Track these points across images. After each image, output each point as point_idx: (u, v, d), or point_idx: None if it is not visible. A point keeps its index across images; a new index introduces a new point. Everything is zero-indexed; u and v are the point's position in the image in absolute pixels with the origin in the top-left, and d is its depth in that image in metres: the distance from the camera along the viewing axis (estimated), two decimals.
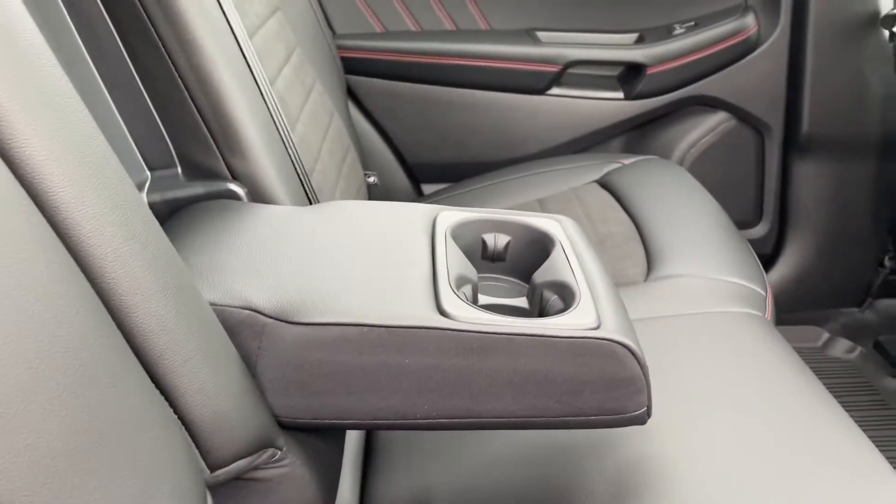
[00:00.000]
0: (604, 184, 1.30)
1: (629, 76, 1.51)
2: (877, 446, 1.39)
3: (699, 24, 1.48)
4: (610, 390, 0.56)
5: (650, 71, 1.48)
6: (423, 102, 1.49)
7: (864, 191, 1.58)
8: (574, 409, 0.57)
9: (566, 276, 0.62)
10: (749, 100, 1.52)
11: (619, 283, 1.03)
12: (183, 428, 0.46)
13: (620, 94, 1.51)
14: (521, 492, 0.70)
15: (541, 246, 0.69)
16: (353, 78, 1.48)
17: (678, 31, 1.48)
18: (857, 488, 0.71)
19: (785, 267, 1.67)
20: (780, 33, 1.47)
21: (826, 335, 1.67)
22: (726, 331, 0.90)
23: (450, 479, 0.73)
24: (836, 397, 1.54)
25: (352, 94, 1.49)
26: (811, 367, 1.61)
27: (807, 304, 1.69)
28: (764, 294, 1.00)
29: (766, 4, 1.47)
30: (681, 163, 1.56)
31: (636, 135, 1.59)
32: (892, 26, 1.40)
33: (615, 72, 1.53)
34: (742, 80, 1.50)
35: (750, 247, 1.13)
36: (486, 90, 1.50)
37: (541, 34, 1.51)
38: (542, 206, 1.26)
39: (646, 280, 1.02)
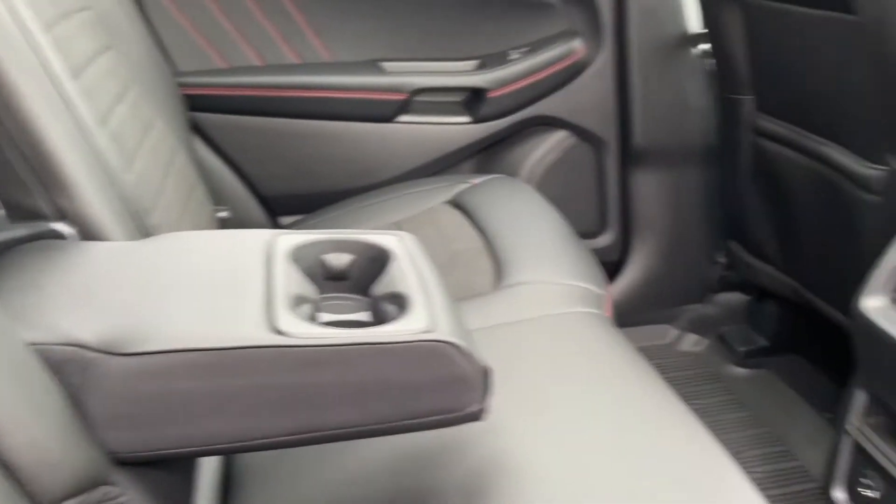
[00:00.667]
0: (455, 203, 1.35)
1: (473, 101, 1.58)
2: (723, 429, 1.51)
3: (532, 49, 1.58)
4: (444, 390, 0.59)
5: (491, 95, 1.56)
6: (272, 135, 1.50)
7: (695, 196, 1.72)
8: (413, 412, 0.59)
9: (401, 287, 0.65)
10: (584, 117, 1.63)
11: (470, 294, 1.07)
12: (5, 472, 0.45)
13: (467, 119, 1.58)
14: (386, 502, 0.71)
15: (381, 262, 0.71)
16: (200, 114, 1.47)
17: (514, 56, 1.57)
18: (696, 481, 0.74)
19: (633, 271, 1.78)
20: (605, 55, 1.59)
21: (675, 332, 1.80)
22: (569, 330, 0.96)
23: (314, 496, 0.74)
24: (686, 387, 1.66)
25: (199, 130, 1.47)
26: (663, 363, 1.74)
27: (656, 304, 1.81)
28: (602, 293, 1.06)
29: (590, 29, 1.59)
30: (528, 180, 1.64)
31: (486, 156, 1.66)
32: (699, 44, 1.55)
33: (460, 97, 1.59)
34: (576, 99, 1.61)
35: (589, 251, 1.21)
36: (335, 120, 1.53)
37: (385, 64, 1.55)
38: (397, 229, 1.28)
39: (495, 290, 1.07)
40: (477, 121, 1.57)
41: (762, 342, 1.69)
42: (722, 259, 1.75)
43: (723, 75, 1.48)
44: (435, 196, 1.38)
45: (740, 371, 1.66)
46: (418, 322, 0.60)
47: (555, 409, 0.81)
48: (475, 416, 0.61)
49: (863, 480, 1.01)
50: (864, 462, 1.01)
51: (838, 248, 1.23)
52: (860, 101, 1.10)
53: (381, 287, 0.67)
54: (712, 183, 1.68)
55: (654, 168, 1.67)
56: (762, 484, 1.34)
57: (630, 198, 1.71)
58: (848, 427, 1.03)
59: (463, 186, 1.40)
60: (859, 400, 1.02)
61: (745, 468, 1.37)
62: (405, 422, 0.59)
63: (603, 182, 1.70)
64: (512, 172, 1.63)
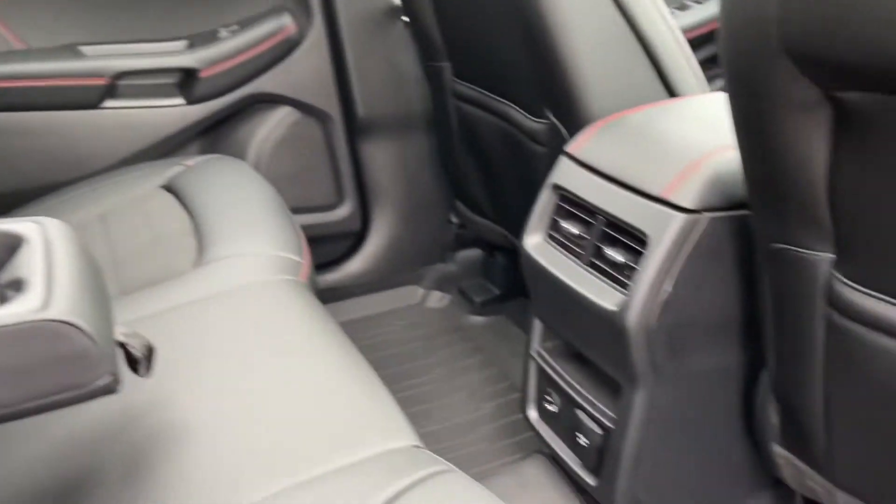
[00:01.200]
0: (168, 187, 1.33)
1: (186, 82, 1.56)
2: (463, 372, 1.63)
3: (242, 26, 1.58)
4: (64, 368, 0.59)
5: (203, 74, 1.54)
6: None
7: (423, 162, 1.82)
8: (35, 392, 0.59)
9: (24, 272, 0.64)
10: (305, 92, 1.66)
11: (171, 275, 1.07)
12: None
13: (181, 101, 1.55)
14: (45, 492, 0.71)
15: (12, 249, 0.69)
16: None
17: (223, 34, 1.57)
18: (362, 431, 0.78)
19: (377, 238, 1.85)
20: (315, 30, 1.63)
21: (422, 291, 1.90)
22: (262, 298, 0.99)
23: None
24: (433, 339, 1.77)
25: None
26: (414, 321, 1.84)
27: (402, 267, 1.90)
28: (299, 260, 1.11)
29: (298, 5, 1.62)
30: (257, 159, 1.65)
31: (210, 139, 1.65)
32: (402, 16, 1.63)
33: (172, 79, 1.56)
34: (294, 74, 1.64)
35: (293, 221, 1.24)
36: (36, 111, 1.44)
37: (85, 48, 1.48)
38: (102, 220, 1.25)
39: (195, 267, 1.07)
40: (191, 102, 1.55)
41: (496, 291, 1.84)
42: (454, 219, 1.87)
43: (421, 44, 1.57)
44: (147, 181, 1.35)
45: (478, 319, 1.80)
46: (29, 304, 0.59)
47: (233, 376, 0.84)
48: (110, 389, 0.62)
49: (547, 398, 1.14)
50: (546, 382, 1.14)
51: (526, 196, 1.36)
52: (520, 65, 1.22)
53: (4, 275, 0.66)
54: (435, 149, 1.78)
55: (380, 138, 1.75)
56: (492, 416, 1.48)
57: (362, 168, 1.77)
58: (532, 353, 1.16)
59: (178, 169, 1.38)
60: (537, 328, 1.15)
61: (477, 404, 1.52)
62: (32, 403, 0.59)
63: (334, 155, 1.75)
64: (239, 153, 1.63)
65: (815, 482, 0.93)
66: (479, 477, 1.30)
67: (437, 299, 1.89)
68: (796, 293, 0.80)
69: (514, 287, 1.84)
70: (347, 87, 1.68)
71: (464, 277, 1.92)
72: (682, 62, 1.12)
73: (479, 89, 1.43)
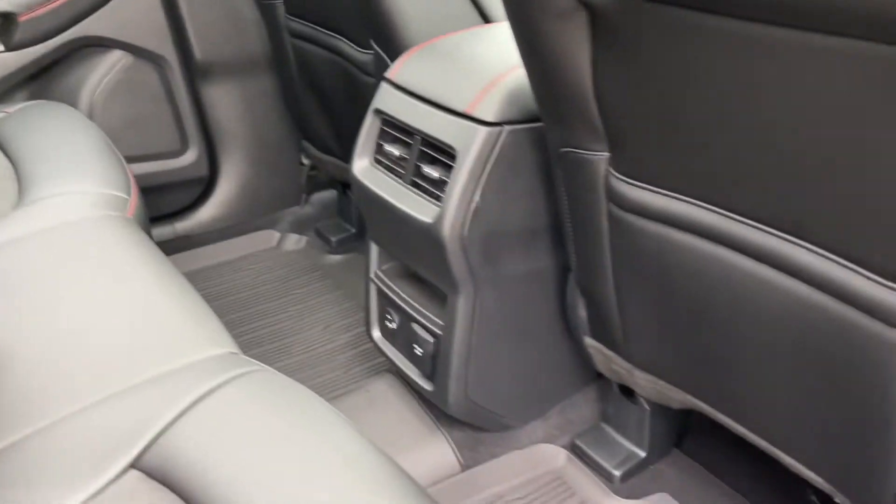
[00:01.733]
0: None
1: (3, 27, 1.48)
2: (320, 307, 1.67)
3: None
4: None
5: (22, 18, 1.47)
6: None
7: (270, 104, 1.82)
8: None
9: None
10: (137, 35, 1.62)
11: None
12: None
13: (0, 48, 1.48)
14: None
15: None
16: None
17: None
18: (181, 343, 0.81)
19: (227, 183, 1.85)
20: None
21: (278, 235, 1.92)
22: (87, 233, 0.99)
23: None
24: (291, 280, 1.80)
25: None
26: (270, 263, 1.86)
27: (256, 213, 1.90)
28: (127, 197, 1.11)
29: None
30: (90, 106, 1.60)
31: (37, 87, 1.58)
32: None
33: None
34: (123, 17, 1.59)
35: (120, 158, 1.23)
36: None
37: None
38: None
39: (14, 209, 1.05)
40: (11, 48, 1.48)
41: (351, 229, 1.88)
42: (305, 161, 1.89)
43: None
44: None
45: (335, 258, 1.84)
46: None
47: (52, 304, 0.84)
48: None
49: (387, 317, 1.20)
50: (386, 302, 1.20)
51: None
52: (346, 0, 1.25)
53: None
54: (281, 90, 1.79)
55: (221, 81, 1.73)
56: (348, 345, 1.54)
57: (206, 113, 1.75)
58: (371, 276, 1.22)
59: None
60: (374, 251, 1.21)
61: (332, 336, 1.57)
62: None
63: (173, 100, 1.71)
64: (71, 100, 1.58)
65: (619, 366, 1.05)
66: (332, 401, 1.36)
67: (293, 242, 1.91)
68: (583, 192, 0.89)
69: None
70: (182, 29, 1.64)
71: (320, 219, 1.94)
72: None
73: (312, 25, 1.44)
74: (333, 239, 1.86)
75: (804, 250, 0.67)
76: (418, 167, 1.04)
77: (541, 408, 1.22)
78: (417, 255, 1.07)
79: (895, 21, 0.49)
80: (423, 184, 1.03)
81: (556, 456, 1.20)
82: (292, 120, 1.80)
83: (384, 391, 1.28)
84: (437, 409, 1.21)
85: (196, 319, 0.84)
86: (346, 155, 1.64)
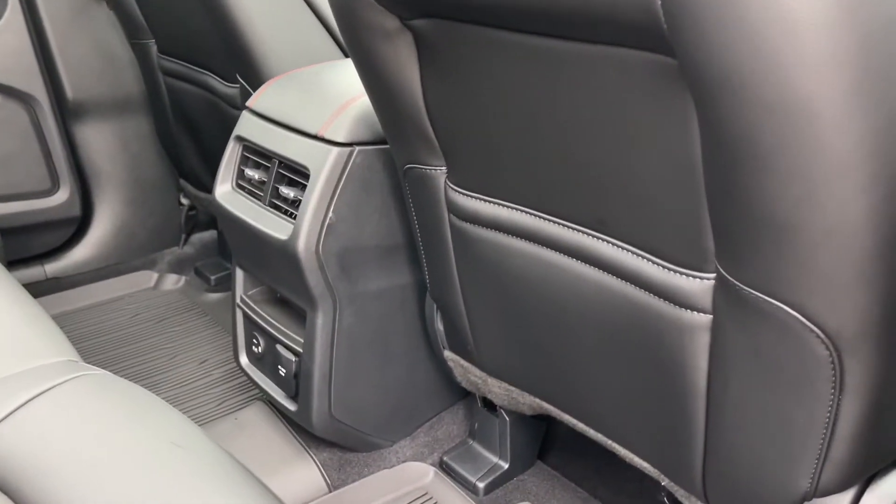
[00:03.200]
0: None
1: None
2: (199, 343, 1.66)
3: None
4: None
5: None
6: None
7: (146, 143, 1.82)
8: None
9: None
10: (5, 74, 1.60)
11: None
12: None
13: None
14: None
15: None
16: None
17: None
18: (19, 351, 0.81)
19: (102, 224, 1.82)
20: (11, 12, 1.58)
21: (156, 275, 1.90)
22: None
23: None
24: (170, 318, 1.78)
25: None
26: (148, 302, 1.83)
27: (134, 253, 1.88)
28: None
29: None
30: None
31: None
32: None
33: None
34: None
35: None
36: None
37: None
38: None
39: None
40: None
41: (229, 267, 1.88)
42: (184, 201, 1.89)
43: (125, 23, 1.59)
44: None
45: (213, 296, 1.83)
46: None
47: None
48: None
49: (254, 341, 1.22)
50: (252, 327, 1.22)
51: None
52: (210, 34, 1.29)
53: None
54: (157, 130, 1.79)
55: (95, 120, 1.72)
56: (223, 378, 1.53)
57: (78, 152, 1.74)
58: (237, 301, 1.24)
59: None
60: (239, 276, 1.23)
61: (208, 370, 1.55)
62: None
63: (43, 140, 1.70)
64: None
65: (475, 375, 1.10)
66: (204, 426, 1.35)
67: (172, 282, 1.90)
68: (428, 206, 0.95)
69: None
70: (54, 69, 1.64)
71: (199, 258, 1.94)
72: None
73: (183, 63, 1.47)
74: (213, 277, 1.86)
75: (606, 244, 0.75)
76: (276, 189, 1.08)
77: (409, 426, 1.25)
78: (277, 274, 1.10)
79: (643, 28, 0.57)
80: (281, 204, 1.07)
81: (424, 473, 1.22)
82: (169, 159, 1.81)
83: (252, 417, 1.28)
84: (305, 433, 1.22)
85: (34, 329, 0.83)
86: None
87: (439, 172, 0.91)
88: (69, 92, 1.66)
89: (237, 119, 1.36)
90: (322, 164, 0.99)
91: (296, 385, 1.13)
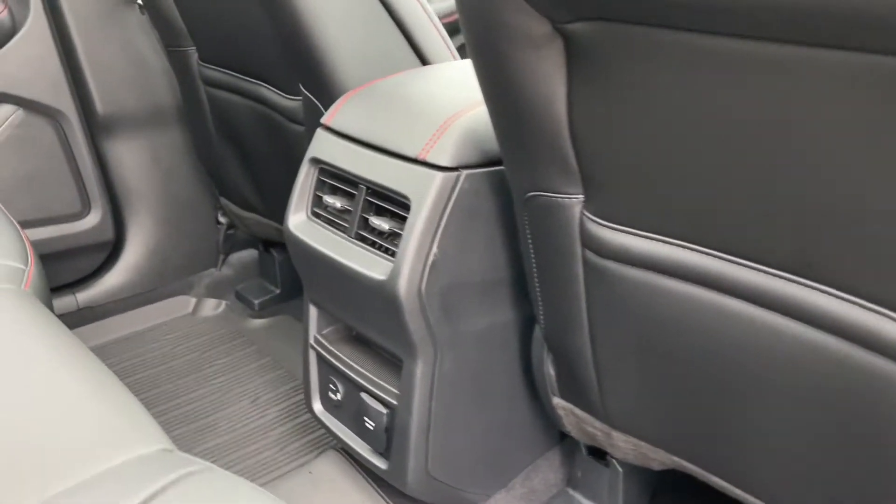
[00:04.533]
0: None
1: None
2: (247, 378, 1.53)
3: None
4: None
5: None
6: None
7: (180, 159, 1.68)
8: None
9: None
10: (29, 88, 1.46)
11: None
12: None
13: None
14: None
15: None
16: None
17: None
18: (110, 441, 0.69)
19: (135, 247, 1.68)
20: (35, 16, 1.44)
21: (194, 300, 1.76)
22: None
23: None
24: (211, 349, 1.64)
25: None
26: (187, 331, 1.70)
27: (169, 277, 1.74)
28: (24, 267, 0.95)
29: None
30: None
31: None
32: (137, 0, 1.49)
33: None
34: (12, 67, 1.43)
35: (14, 224, 1.08)
36: None
37: None
38: None
39: None
40: None
41: (275, 290, 1.74)
42: (222, 219, 1.75)
43: (161, 28, 1.44)
44: None
45: (258, 322, 1.69)
46: None
47: None
48: None
49: (331, 387, 1.08)
50: (328, 371, 1.08)
51: (292, 181, 1.30)
52: (268, 42, 1.15)
53: None
54: (194, 143, 1.65)
55: (127, 136, 1.58)
56: (280, 419, 1.39)
57: (109, 171, 1.60)
58: (310, 342, 1.10)
59: None
60: (313, 314, 1.09)
61: (263, 410, 1.42)
62: None
63: (72, 158, 1.55)
64: None
65: (594, 427, 0.96)
66: (270, 484, 1.22)
67: (211, 307, 1.76)
68: (554, 239, 0.81)
69: (294, 284, 1.76)
70: (81, 80, 1.50)
71: (240, 280, 1.80)
72: (432, 30, 1.12)
73: (229, 72, 1.33)
74: (256, 301, 1.72)
75: (818, 292, 0.61)
76: (364, 219, 0.94)
77: (504, 477, 1.11)
78: (367, 316, 0.96)
79: None
80: (372, 237, 0.93)
81: None
82: (207, 175, 1.67)
83: (329, 471, 1.14)
84: (389, 488, 1.08)
85: (122, 412, 0.70)
86: (270, 211, 1.52)
87: (574, 202, 0.77)
88: (99, 105, 1.52)
89: (295, 134, 1.22)
90: (425, 191, 0.85)
91: (387, 440, 0.99)
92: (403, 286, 0.86)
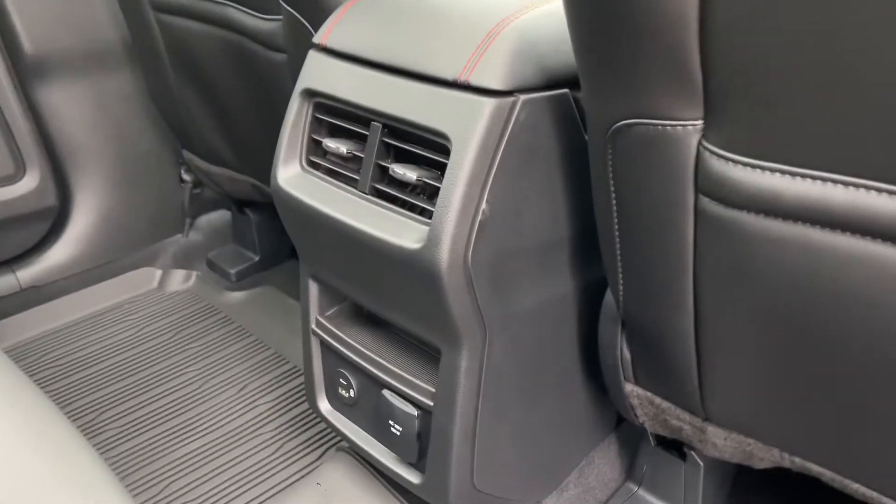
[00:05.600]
0: None
1: None
2: (230, 362, 1.30)
3: None
4: None
5: None
6: None
7: (135, 106, 1.41)
8: None
9: None
10: None
11: None
12: None
13: None
14: None
15: None
16: None
17: None
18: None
19: (84, 213, 1.43)
20: None
21: (159, 273, 1.52)
22: None
23: None
24: (183, 329, 1.41)
25: None
26: (153, 310, 1.46)
27: (127, 247, 1.49)
28: None
29: None
30: None
31: None
32: None
33: None
34: None
35: None
36: None
37: None
38: None
39: None
40: None
41: (253, 258, 1.51)
42: (186, 176, 1.50)
43: None
44: None
45: (237, 295, 1.46)
46: None
47: None
48: None
49: (341, 381, 0.86)
50: (336, 361, 0.86)
51: (272, 125, 1.06)
52: None
53: None
54: (145, 85, 1.39)
55: (65, 80, 1.31)
56: (274, 410, 1.17)
57: (46, 123, 1.33)
58: (311, 325, 0.87)
59: None
60: (313, 292, 0.86)
61: (250, 401, 1.20)
62: None
63: None
64: None
65: (680, 420, 0.76)
66: (272, 496, 1.01)
67: (180, 280, 1.52)
68: (653, 184, 0.59)
69: (276, 249, 1.52)
70: (3, 14, 1.22)
71: (211, 247, 1.56)
72: None
73: None
74: (232, 271, 1.49)
75: None
76: (382, 168, 0.71)
77: (556, 478, 0.92)
78: (390, 296, 0.74)
79: None
80: (392, 190, 0.70)
81: None
82: (166, 125, 1.41)
83: (338, 478, 0.93)
84: (416, 500, 0.88)
85: (58, 462, 0.48)
86: (244, 164, 1.27)
87: (689, 130, 0.55)
88: (26, 43, 1.25)
89: (274, 65, 0.98)
90: (471, 125, 0.62)
91: (419, 449, 0.78)
92: (445, 256, 0.63)
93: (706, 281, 0.62)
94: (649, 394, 0.78)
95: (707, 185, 0.56)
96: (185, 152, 1.40)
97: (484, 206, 0.64)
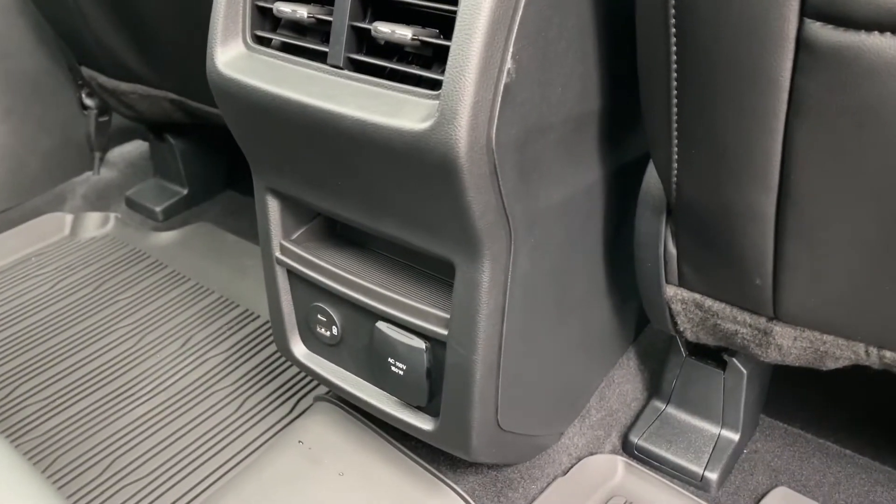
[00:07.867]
0: None
1: None
2: (169, 313, 1.12)
3: None
4: None
5: None
6: None
7: (17, 17, 1.17)
8: None
9: None
10: None
11: None
12: None
13: None
14: None
15: None
16: None
17: None
18: None
19: None
20: None
21: (69, 217, 1.30)
22: None
23: None
24: (112, 278, 1.21)
25: None
26: (70, 261, 1.25)
27: (27, 190, 1.28)
28: None
29: None
30: None
31: None
32: None
33: None
34: None
35: None
36: None
37: None
38: None
39: None
40: None
41: (181, 191, 1.31)
42: (89, 101, 1.27)
43: None
44: None
45: (167, 235, 1.26)
46: None
47: None
48: None
49: (319, 317, 0.70)
50: (311, 295, 0.70)
51: (193, 17, 0.85)
52: None
53: None
54: None
55: None
56: (221, 370, 1.00)
57: None
58: (274, 252, 0.70)
59: None
60: (273, 210, 0.68)
61: (197, 354, 1.02)
62: None
63: None
64: None
65: (735, 322, 0.64)
66: (242, 460, 0.85)
67: (96, 223, 1.30)
68: (733, 6, 0.44)
69: (207, 177, 1.32)
70: None
71: (130, 184, 1.35)
72: None
73: None
74: (157, 209, 1.29)
75: None
76: (358, 31, 0.53)
77: (578, 405, 0.79)
78: (386, 201, 0.57)
79: None
80: (376, 60, 0.53)
81: (610, 469, 0.78)
82: (56, 35, 1.17)
83: (327, 435, 0.78)
84: (423, 446, 0.74)
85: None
86: (159, 73, 1.06)
87: None
88: None
89: None
90: None
91: (429, 388, 0.63)
92: (463, 135, 0.47)
93: (803, 145, 0.48)
94: (697, 296, 0.65)
95: (816, 4, 0.42)
96: (84, 69, 1.17)
97: (509, 63, 0.48)
